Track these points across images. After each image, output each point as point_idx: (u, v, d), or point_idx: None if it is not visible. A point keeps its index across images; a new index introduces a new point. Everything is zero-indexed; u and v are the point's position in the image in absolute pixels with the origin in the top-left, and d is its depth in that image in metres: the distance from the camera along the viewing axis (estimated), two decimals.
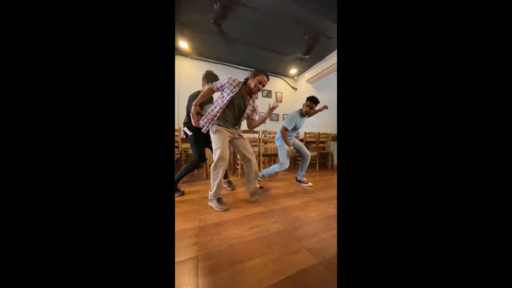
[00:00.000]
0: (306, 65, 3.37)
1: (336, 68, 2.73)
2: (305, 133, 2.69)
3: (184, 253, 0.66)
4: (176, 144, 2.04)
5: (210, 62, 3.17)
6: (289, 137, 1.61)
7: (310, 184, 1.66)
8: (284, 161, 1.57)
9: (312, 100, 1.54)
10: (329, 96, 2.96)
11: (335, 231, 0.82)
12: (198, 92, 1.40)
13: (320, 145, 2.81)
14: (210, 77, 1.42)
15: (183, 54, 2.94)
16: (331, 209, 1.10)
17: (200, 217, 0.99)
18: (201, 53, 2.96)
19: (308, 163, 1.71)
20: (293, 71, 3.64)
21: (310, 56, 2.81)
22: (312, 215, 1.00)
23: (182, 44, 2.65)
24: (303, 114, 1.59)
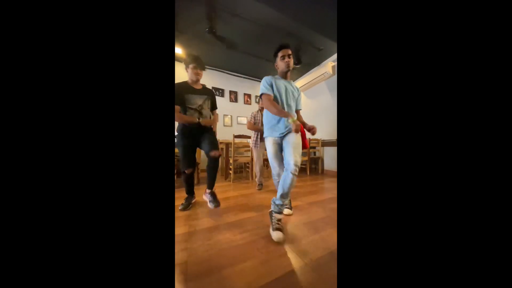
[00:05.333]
0: (297, 74, 3.52)
1: (325, 78, 2.88)
2: None
3: None
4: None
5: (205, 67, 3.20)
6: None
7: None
8: (271, 166, 1.03)
9: (284, 47, 0.96)
10: (320, 103, 3.10)
11: (323, 233, 0.85)
12: (185, 82, 1.22)
13: (311, 150, 2.90)
14: (198, 61, 1.18)
15: (177, 59, 2.96)
16: (319, 212, 1.13)
17: (190, 223, 0.98)
18: None
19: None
20: None
21: (301, 66, 2.95)
22: (302, 218, 1.03)
23: (177, 49, 2.68)
24: (284, 75, 1.02)
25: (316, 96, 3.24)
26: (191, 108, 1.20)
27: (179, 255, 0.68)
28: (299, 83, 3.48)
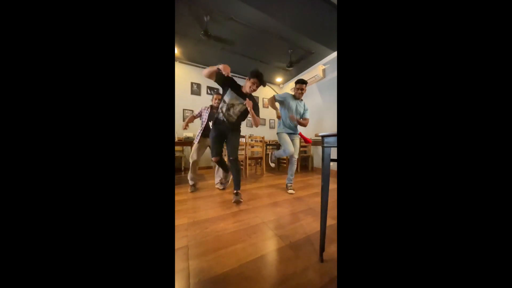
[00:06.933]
0: (290, 75, 3.64)
1: (316, 80, 3.02)
2: None
3: (175, 244, 0.78)
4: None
5: (200, 67, 3.25)
6: (292, 133, 1.77)
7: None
8: (285, 147, 1.63)
9: (301, 82, 1.69)
10: (312, 104, 3.26)
11: (303, 222, 1.00)
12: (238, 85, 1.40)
13: (301, 149, 3.07)
14: (260, 78, 1.33)
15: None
16: (303, 205, 1.29)
17: (189, 215, 1.10)
18: (190, 58, 3.03)
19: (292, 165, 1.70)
20: (279, 79, 3.89)
21: (293, 68, 3.07)
22: (287, 210, 1.18)
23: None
24: (296, 97, 1.76)
25: (306, 97, 3.38)
26: (224, 102, 1.37)
27: (181, 241, 0.81)
28: (291, 84, 3.61)
